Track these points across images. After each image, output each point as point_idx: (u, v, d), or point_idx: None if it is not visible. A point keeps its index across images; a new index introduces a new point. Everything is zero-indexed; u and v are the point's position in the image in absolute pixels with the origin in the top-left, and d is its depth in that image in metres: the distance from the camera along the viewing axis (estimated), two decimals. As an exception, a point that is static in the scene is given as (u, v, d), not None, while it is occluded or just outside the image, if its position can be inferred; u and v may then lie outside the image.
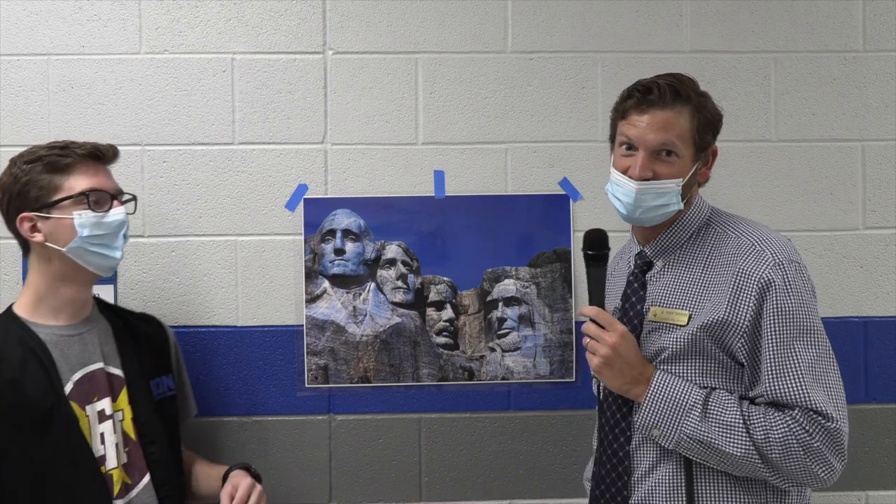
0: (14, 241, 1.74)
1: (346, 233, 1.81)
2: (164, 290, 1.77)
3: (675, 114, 1.30)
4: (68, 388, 1.36)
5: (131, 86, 1.78)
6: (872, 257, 1.86)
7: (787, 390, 1.22)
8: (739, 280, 1.26)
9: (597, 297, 1.37)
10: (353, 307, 1.80)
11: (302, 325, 1.79)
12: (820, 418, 1.20)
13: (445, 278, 1.82)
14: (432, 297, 1.82)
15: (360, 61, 1.81)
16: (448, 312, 1.82)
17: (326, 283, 1.80)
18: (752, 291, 1.24)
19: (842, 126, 1.86)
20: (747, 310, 1.24)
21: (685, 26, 1.84)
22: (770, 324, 1.23)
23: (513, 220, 1.82)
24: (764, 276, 1.24)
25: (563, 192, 1.83)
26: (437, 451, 1.82)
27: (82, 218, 1.35)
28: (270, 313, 1.80)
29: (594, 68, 1.84)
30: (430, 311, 1.82)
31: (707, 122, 1.33)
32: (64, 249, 1.36)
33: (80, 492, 1.33)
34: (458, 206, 1.82)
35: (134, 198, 1.49)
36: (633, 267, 1.44)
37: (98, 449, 1.37)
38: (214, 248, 1.80)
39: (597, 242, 1.39)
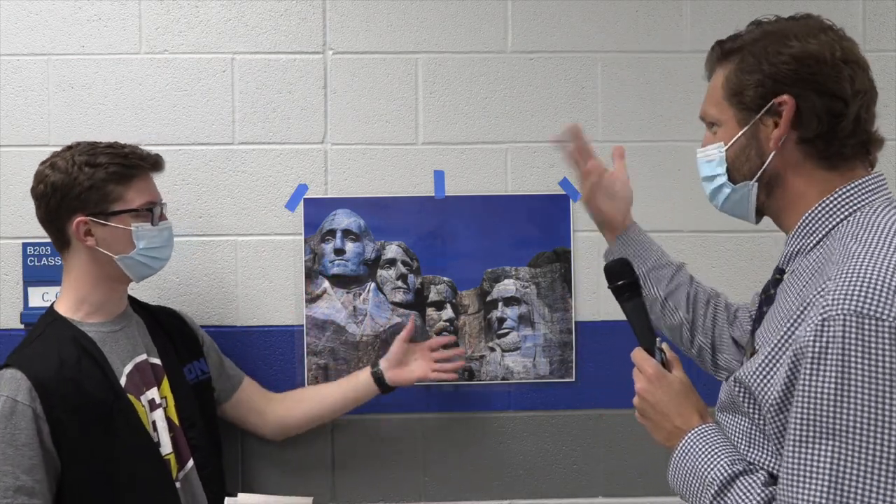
0: (14, 241, 1.75)
1: (346, 233, 1.81)
2: (163, 291, 1.77)
3: (716, 77, 1.07)
4: (122, 381, 1.41)
5: (131, 86, 1.78)
6: (872, 257, 1.86)
7: None
8: (788, 333, 0.89)
9: (641, 336, 1.13)
10: (353, 307, 1.80)
11: (302, 325, 1.79)
12: None
13: (445, 278, 1.82)
14: (432, 297, 1.82)
15: (360, 61, 1.81)
16: (448, 312, 1.82)
17: (326, 283, 1.80)
18: (786, 357, 0.87)
19: (842, 126, 1.86)
20: (777, 381, 0.88)
21: (685, 26, 1.84)
22: (796, 409, 0.85)
23: (513, 220, 1.82)
24: (803, 335, 0.85)
25: (563, 192, 1.83)
26: (437, 451, 1.82)
27: (140, 231, 1.41)
28: (270, 313, 1.80)
29: (594, 68, 1.84)
30: (430, 311, 1.82)
31: (752, 66, 0.99)
32: (116, 257, 1.40)
33: (148, 480, 1.39)
34: (458, 206, 1.82)
35: (165, 203, 1.54)
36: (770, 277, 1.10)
37: (153, 436, 1.43)
38: (214, 248, 1.80)
39: (614, 273, 1.18)
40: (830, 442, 0.81)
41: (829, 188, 0.98)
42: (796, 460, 0.84)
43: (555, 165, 1.83)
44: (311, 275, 1.80)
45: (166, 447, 1.44)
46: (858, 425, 0.80)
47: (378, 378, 1.66)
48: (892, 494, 0.79)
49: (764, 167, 1.00)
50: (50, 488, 1.32)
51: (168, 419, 1.48)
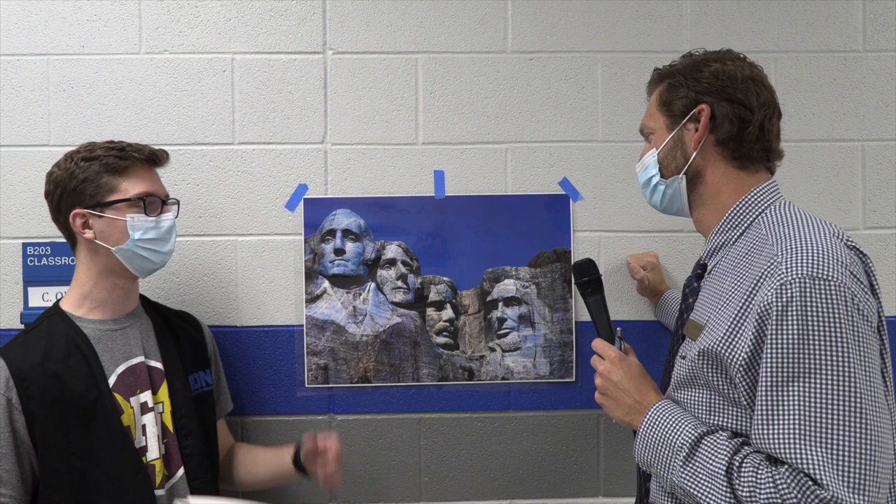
0: (14, 241, 1.75)
1: (346, 233, 1.81)
2: (164, 290, 1.77)
3: (652, 97, 1.28)
4: (112, 380, 1.40)
5: (131, 86, 1.78)
6: (872, 257, 1.82)
7: (772, 442, 0.98)
8: (745, 302, 1.04)
9: (601, 328, 1.31)
10: (353, 307, 1.80)
11: (302, 325, 1.79)
12: (810, 483, 0.94)
13: (445, 278, 1.82)
14: (432, 297, 1.82)
15: (360, 61, 1.81)
16: (448, 312, 1.82)
17: (326, 283, 1.80)
18: (751, 319, 1.01)
19: (842, 126, 1.86)
20: (744, 341, 1.02)
21: (685, 26, 1.84)
22: (766, 360, 0.99)
23: (513, 220, 1.82)
24: (764, 299, 1.00)
25: (563, 192, 1.83)
26: (437, 451, 1.82)
27: (135, 221, 1.40)
28: (270, 313, 1.80)
29: (594, 68, 1.84)
30: (430, 311, 1.82)
31: (679, 83, 1.20)
32: (113, 249, 1.40)
33: (123, 483, 1.36)
34: (458, 206, 1.82)
35: (177, 202, 1.54)
36: (690, 273, 1.29)
37: (140, 440, 1.41)
38: (214, 248, 1.80)
39: (581, 269, 1.34)
40: (797, 383, 0.96)
41: (740, 186, 1.19)
42: (769, 402, 0.99)
43: (555, 165, 1.83)
44: (311, 275, 1.80)
45: (153, 452, 1.42)
46: (820, 366, 0.96)
47: (299, 465, 1.57)
48: (853, 423, 0.94)
49: (688, 164, 1.20)
50: (23, 478, 1.32)
51: (163, 425, 1.46)
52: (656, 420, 1.13)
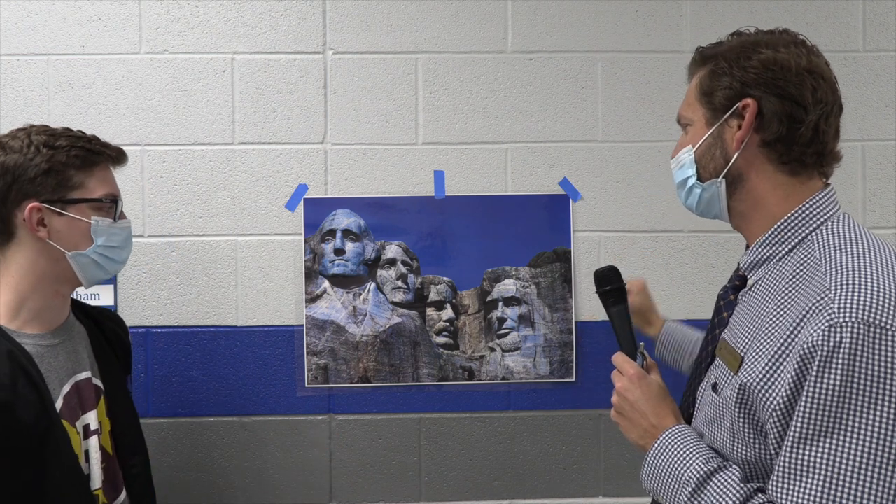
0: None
1: (346, 233, 1.81)
2: (164, 290, 1.77)
3: (692, 80, 1.10)
4: (58, 405, 1.20)
5: (131, 86, 1.78)
6: (872, 257, 1.86)
7: (789, 502, 0.86)
8: (789, 339, 0.90)
9: (623, 340, 1.20)
10: (353, 307, 1.80)
11: (302, 325, 1.79)
12: None
13: (445, 278, 1.82)
14: (432, 297, 1.82)
15: (360, 61, 1.81)
16: (448, 312, 1.82)
17: (326, 283, 1.80)
18: (793, 359, 0.87)
19: (842, 126, 1.85)
20: (783, 384, 0.88)
21: (685, 26, 1.84)
22: (800, 407, 0.85)
23: (513, 220, 1.82)
24: (809, 339, 0.85)
25: (563, 192, 1.83)
26: (437, 451, 1.82)
27: (100, 225, 1.23)
28: (270, 313, 1.80)
29: (594, 68, 1.84)
30: (430, 311, 1.82)
31: (723, 70, 1.03)
32: (69, 254, 1.22)
33: None
34: (458, 206, 1.82)
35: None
36: (727, 282, 1.14)
37: (84, 468, 1.22)
38: (214, 248, 1.80)
39: (602, 278, 1.24)
40: (830, 439, 0.83)
41: (790, 194, 1.02)
42: (794, 455, 0.86)
43: (555, 165, 1.83)
44: (311, 275, 1.80)
45: (96, 481, 1.23)
46: (859, 424, 0.82)
47: None
48: (885, 496, 0.81)
49: (728, 166, 1.04)
50: None
51: (101, 447, 1.26)
52: (667, 447, 1.03)
